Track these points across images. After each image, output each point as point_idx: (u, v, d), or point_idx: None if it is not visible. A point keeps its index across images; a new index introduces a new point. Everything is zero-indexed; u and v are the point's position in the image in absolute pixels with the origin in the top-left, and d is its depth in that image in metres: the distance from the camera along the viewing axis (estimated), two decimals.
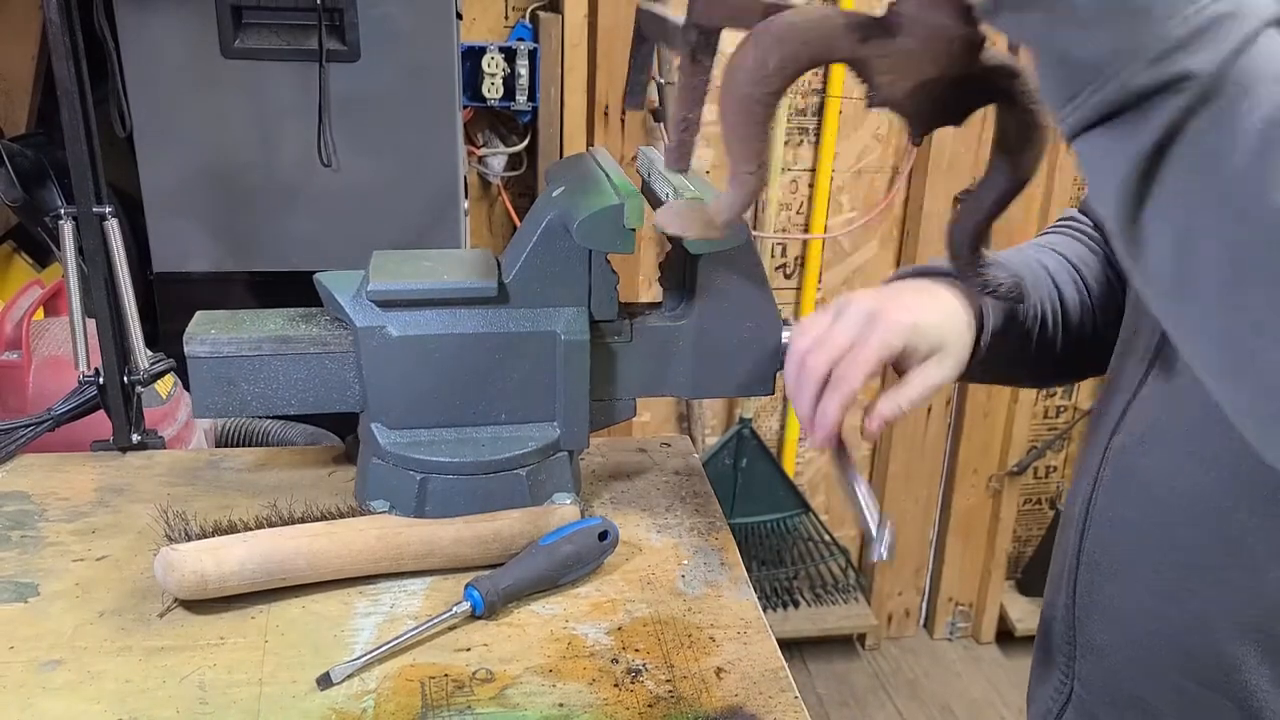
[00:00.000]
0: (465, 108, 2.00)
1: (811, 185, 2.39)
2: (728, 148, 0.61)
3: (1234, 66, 0.47)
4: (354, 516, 0.90)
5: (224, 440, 1.67)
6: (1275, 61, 0.47)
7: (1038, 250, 0.93)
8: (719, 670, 0.81)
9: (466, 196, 1.89)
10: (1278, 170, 0.45)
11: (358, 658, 0.79)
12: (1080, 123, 0.51)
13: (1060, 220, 1.01)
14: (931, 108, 0.61)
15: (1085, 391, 2.69)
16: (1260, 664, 0.68)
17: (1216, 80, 0.47)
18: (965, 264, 0.71)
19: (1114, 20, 0.48)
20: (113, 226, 1.03)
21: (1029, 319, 0.88)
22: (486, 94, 2.07)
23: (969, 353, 0.83)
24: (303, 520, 0.88)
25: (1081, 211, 1.01)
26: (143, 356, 1.07)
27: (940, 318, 0.82)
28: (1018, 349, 0.88)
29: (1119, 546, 0.76)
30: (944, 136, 2.33)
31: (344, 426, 1.10)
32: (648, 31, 0.81)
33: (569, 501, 0.95)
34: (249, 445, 1.68)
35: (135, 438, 1.09)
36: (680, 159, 0.69)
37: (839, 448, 0.82)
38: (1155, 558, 0.73)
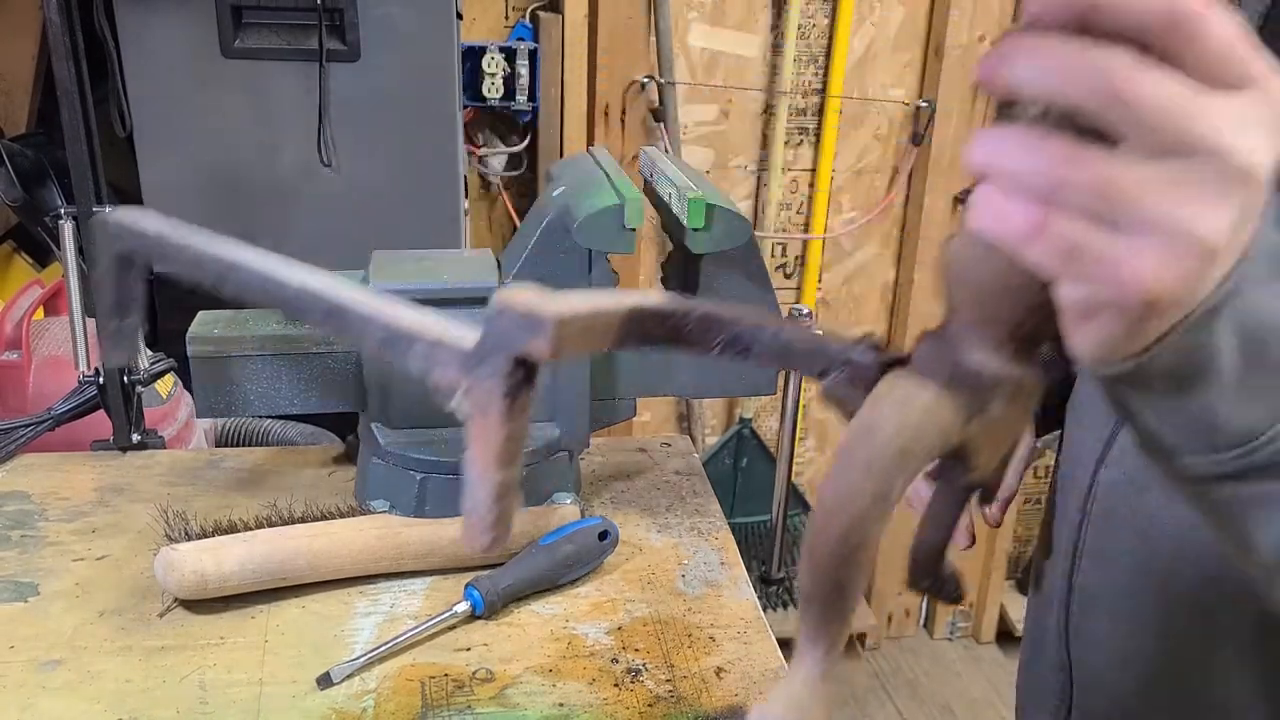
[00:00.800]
0: (465, 108, 2.00)
1: (812, 185, 2.39)
2: (807, 609, 0.45)
3: None
4: (354, 516, 0.90)
5: (224, 440, 1.67)
6: None
7: None
8: (719, 670, 0.81)
9: (466, 196, 1.89)
10: None
11: (358, 658, 0.79)
12: (1212, 475, 0.45)
13: None
14: (1001, 465, 0.51)
15: None
16: (1258, 701, 0.68)
17: None
18: (928, 583, 0.56)
19: (1270, 392, 0.42)
20: None
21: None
22: (487, 94, 2.07)
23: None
24: (303, 520, 0.88)
25: None
26: (143, 356, 1.07)
27: None
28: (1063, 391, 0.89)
29: (1114, 581, 0.76)
30: (944, 136, 2.33)
31: (344, 426, 1.10)
32: (136, 251, 0.65)
33: (569, 501, 0.95)
34: (249, 445, 1.68)
35: (135, 437, 1.09)
36: (501, 537, 0.48)
37: None
38: (1154, 594, 0.72)
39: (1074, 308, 0.41)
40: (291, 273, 0.62)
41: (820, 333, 0.51)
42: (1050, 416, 0.89)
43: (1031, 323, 0.44)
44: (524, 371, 0.48)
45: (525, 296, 0.48)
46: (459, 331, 0.52)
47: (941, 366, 0.45)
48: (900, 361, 0.47)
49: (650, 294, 0.53)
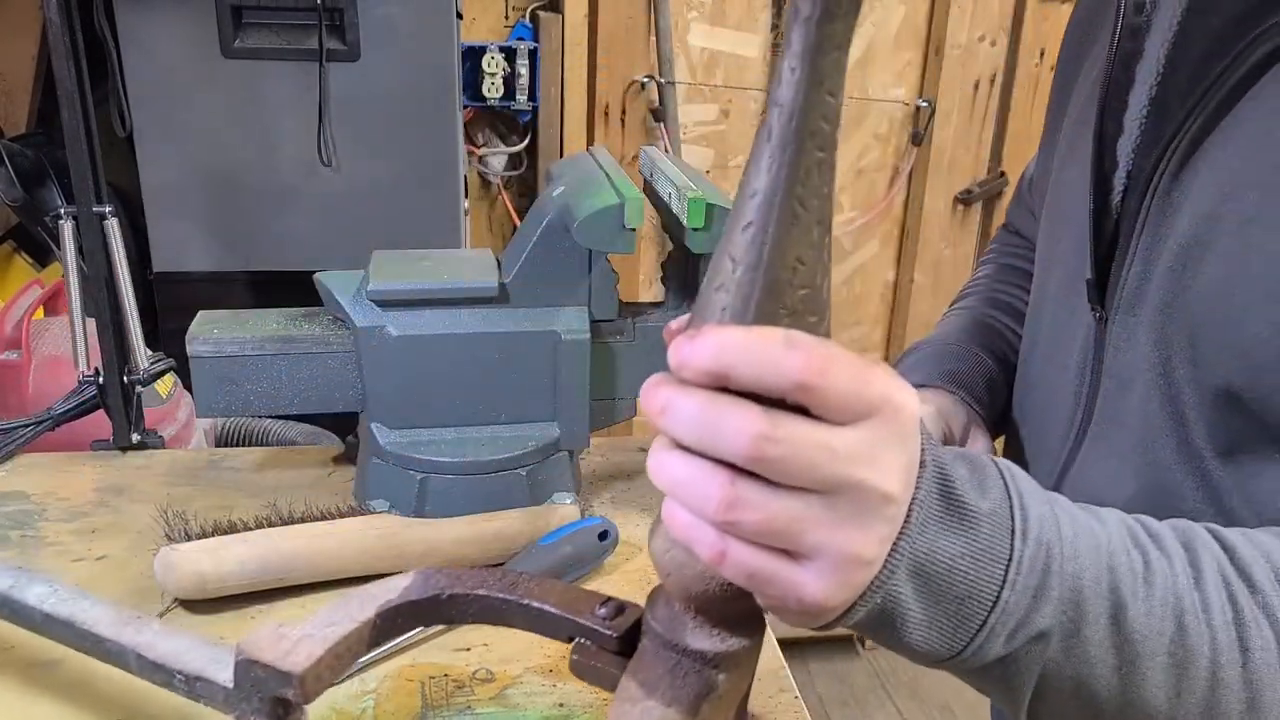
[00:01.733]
0: (465, 107, 2.00)
1: None
2: None
3: (1071, 607, 0.48)
4: (354, 516, 0.90)
5: (224, 440, 1.67)
6: (1095, 580, 0.49)
7: (984, 309, 0.95)
8: None
9: (467, 196, 1.89)
10: (1140, 676, 0.49)
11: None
12: (947, 671, 0.51)
13: (997, 241, 1.02)
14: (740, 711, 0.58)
15: None
16: None
17: (1061, 625, 0.48)
18: None
19: (954, 621, 0.48)
20: (112, 226, 1.03)
21: (1009, 370, 0.89)
22: (487, 94, 2.07)
23: (985, 414, 0.87)
24: (302, 520, 0.88)
25: (1010, 228, 1.01)
26: (142, 356, 1.07)
27: (934, 404, 0.86)
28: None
29: None
30: (944, 136, 2.33)
31: (344, 426, 1.10)
32: None
33: (569, 501, 0.94)
34: (249, 445, 1.68)
35: (135, 437, 1.09)
36: None
37: None
38: None
39: (767, 605, 0.47)
40: (38, 595, 0.64)
41: (567, 593, 0.57)
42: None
43: (738, 605, 0.49)
44: (284, 708, 0.53)
45: (271, 646, 0.53)
46: (216, 660, 0.56)
47: (666, 666, 0.50)
48: (637, 629, 0.53)
49: (397, 584, 0.57)
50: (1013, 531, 0.48)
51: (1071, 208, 0.74)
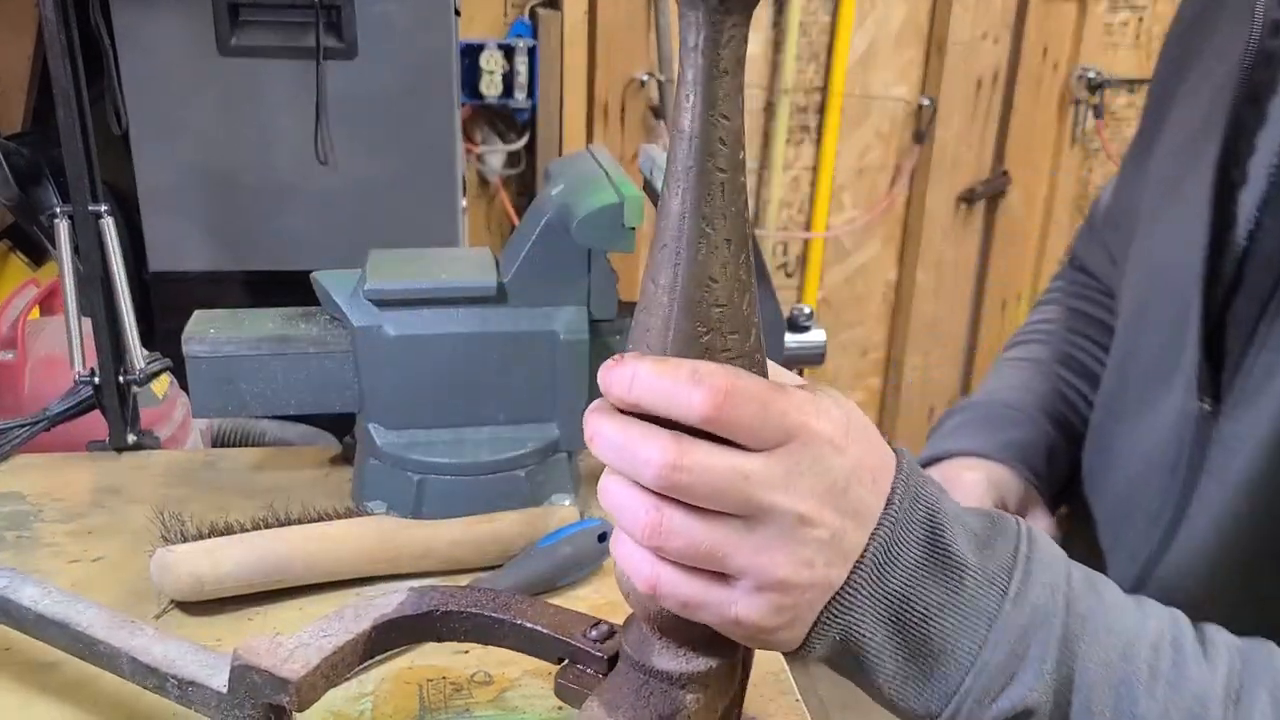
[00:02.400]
0: (463, 105, 2.00)
1: (813, 184, 2.38)
2: None
3: (1065, 685, 0.46)
4: (351, 517, 0.89)
5: (220, 440, 1.66)
6: (1104, 665, 0.46)
7: (1051, 365, 0.86)
8: None
9: (465, 195, 1.88)
10: None
11: None
12: None
13: (1064, 279, 0.94)
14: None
15: None
16: None
17: (1054, 704, 0.46)
18: None
19: (929, 675, 0.47)
20: (108, 225, 1.03)
21: (1074, 440, 0.83)
22: (485, 91, 2.06)
23: (1045, 489, 0.81)
24: (299, 521, 0.88)
25: (1077, 264, 0.93)
26: (138, 356, 1.07)
27: (985, 472, 0.80)
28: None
29: None
30: (946, 135, 2.32)
31: (341, 426, 1.09)
32: None
33: (568, 503, 0.94)
34: (245, 445, 1.67)
35: (131, 438, 1.09)
36: None
37: None
38: None
39: (715, 627, 0.48)
40: (31, 597, 0.65)
41: (559, 615, 0.59)
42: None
43: (700, 628, 0.49)
44: (278, 715, 0.55)
45: (268, 652, 0.54)
46: (209, 666, 0.56)
47: (633, 686, 0.51)
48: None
49: (392, 598, 0.59)
50: (1005, 593, 0.46)
51: (1173, 265, 0.63)
